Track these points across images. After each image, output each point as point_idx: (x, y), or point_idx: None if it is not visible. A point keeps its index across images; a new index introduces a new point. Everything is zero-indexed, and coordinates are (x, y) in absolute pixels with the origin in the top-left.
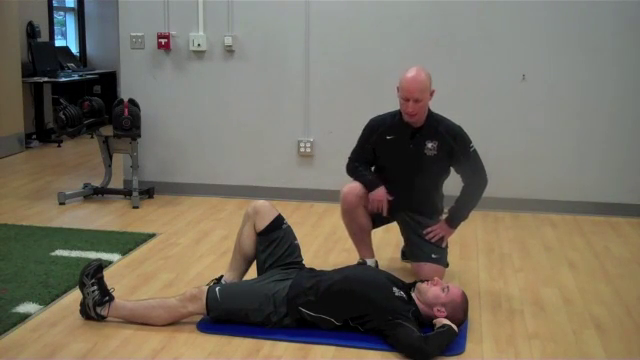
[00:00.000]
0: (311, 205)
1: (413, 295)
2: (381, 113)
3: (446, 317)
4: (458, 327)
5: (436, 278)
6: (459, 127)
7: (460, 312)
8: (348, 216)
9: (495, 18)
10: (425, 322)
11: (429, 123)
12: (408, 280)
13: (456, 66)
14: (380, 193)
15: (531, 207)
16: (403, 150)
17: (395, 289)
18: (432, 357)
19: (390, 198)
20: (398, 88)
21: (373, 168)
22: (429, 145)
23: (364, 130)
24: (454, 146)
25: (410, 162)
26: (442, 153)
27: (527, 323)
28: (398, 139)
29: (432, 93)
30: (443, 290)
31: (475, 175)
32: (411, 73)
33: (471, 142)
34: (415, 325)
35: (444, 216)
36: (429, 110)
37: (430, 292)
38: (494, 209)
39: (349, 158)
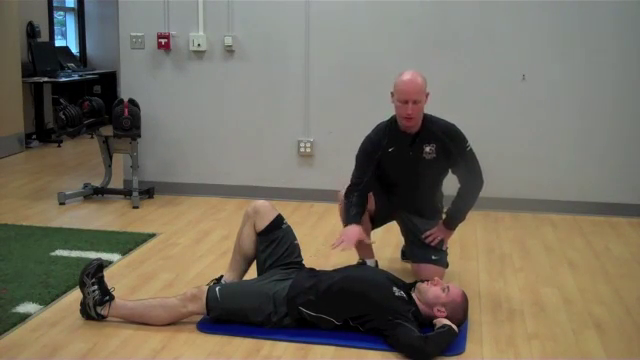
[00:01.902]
0: (311, 205)
1: (413, 295)
2: (377, 124)
3: (446, 317)
4: (458, 327)
5: (436, 278)
6: (454, 126)
7: (460, 312)
8: None
9: (495, 18)
10: (425, 322)
11: (425, 127)
12: (408, 280)
13: (456, 66)
14: (351, 233)
15: (531, 207)
16: (404, 158)
17: (395, 289)
18: (432, 357)
19: (364, 240)
20: (392, 93)
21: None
22: (427, 149)
23: (365, 150)
24: (451, 147)
25: (410, 168)
26: (440, 155)
27: (527, 323)
28: (398, 149)
29: (427, 95)
30: (443, 290)
31: (471, 175)
32: (407, 75)
33: (467, 141)
34: (415, 325)
35: (443, 216)
36: (423, 113)
37: (430, 292)
38: (494, 209)
39: (351, 181)
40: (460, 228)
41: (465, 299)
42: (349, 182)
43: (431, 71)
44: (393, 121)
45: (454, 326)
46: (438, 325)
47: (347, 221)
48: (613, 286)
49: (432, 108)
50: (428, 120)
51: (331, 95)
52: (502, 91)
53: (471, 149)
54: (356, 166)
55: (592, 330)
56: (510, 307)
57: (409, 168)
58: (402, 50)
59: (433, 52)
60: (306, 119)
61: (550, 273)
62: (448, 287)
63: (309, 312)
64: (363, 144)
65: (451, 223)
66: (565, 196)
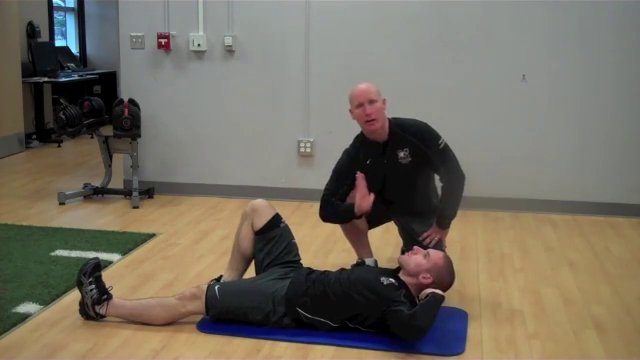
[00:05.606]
0: (311, 205)
1: (401, 277)
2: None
3: (433, 282)
4: (446, 290)
5: (416, 247)
6: (424, 125)
7: (446, 275)
8: None
9: (495, 18)
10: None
11: (393, 133)
12: None
13: (456, 66)
14: (365, 201)
15: (531, 207)
16: (380, 167)
17: (383, 279)
18: (426, 329)
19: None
20: (350, 110)
21: None
22: (401, 154)
23: (342, 164)
24: (423, 148)
25: (391, 175)
26: (416, 157)
27: (527, 323)
28: (373, 159)
29: (384, 101)
30: (424, 257)
31: (450, 171)
32: (355, 86)
33: (440, 138)
34: (408, 307)
35: None
36: (388, 120)
37: (412, 261)
38: (494, 209)
39: (325, 193)
40: (460, 228)
41: (447, 260)
42: (323, 194)
43: (431, 71)
44: (362, 134)
45: (438, 291)
46: (422, 296)
47: (347, 210)
48: (613, 286)
49: (433, 107)
50: (394, 125)
51: (331, 95)
52: (502, 91)
53: (445, 145)
54: (332, 178)
55: (592, 330)
56: (510, 307)
57: (390, 175)
58: (402, 50)
59: (433, 52)
60: (306, 119)
61: (550, 273)
62: (428, 252)
63: (305, 314)
64: (340, 159)
65: (443, 222)
66: (565, 196)
